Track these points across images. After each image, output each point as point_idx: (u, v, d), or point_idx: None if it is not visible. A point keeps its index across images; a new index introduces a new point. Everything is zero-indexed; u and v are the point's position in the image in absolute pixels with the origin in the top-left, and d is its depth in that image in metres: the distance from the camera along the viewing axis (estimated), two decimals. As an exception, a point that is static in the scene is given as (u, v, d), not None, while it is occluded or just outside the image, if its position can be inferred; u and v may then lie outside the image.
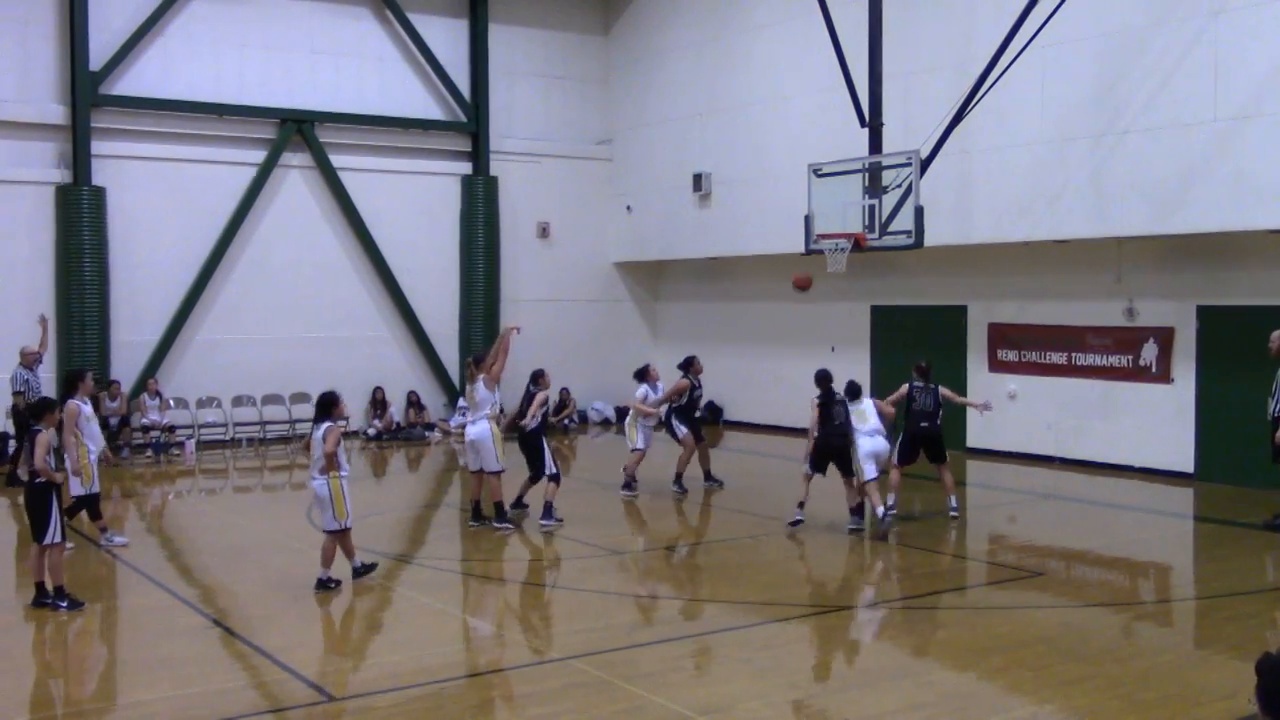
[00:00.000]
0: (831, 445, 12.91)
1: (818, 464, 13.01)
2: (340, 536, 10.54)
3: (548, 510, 13.08)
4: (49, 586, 9.89)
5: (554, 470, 13.18)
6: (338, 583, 10.50)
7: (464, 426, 13.87)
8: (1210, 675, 8.28)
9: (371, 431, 21.50)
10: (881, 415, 13.18)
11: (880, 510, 12.66)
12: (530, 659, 8.72)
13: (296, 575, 10.94)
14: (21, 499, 10.67)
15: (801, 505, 13.03)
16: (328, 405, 10.63)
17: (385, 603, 10.68)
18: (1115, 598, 10.59)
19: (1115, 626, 9.54)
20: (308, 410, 21.08)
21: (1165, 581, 11.73)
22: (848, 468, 12.91)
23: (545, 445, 13.20)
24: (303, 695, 7.82)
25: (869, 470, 12.67)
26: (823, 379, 13.08)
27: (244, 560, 11.54)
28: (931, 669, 8.33)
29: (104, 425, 18.86)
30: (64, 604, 9.81)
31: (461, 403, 22.13)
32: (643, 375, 15.51)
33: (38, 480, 9.85)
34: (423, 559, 12.26)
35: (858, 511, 12.96)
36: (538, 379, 13.43)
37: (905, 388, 13.60)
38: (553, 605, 10.53)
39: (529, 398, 13.24)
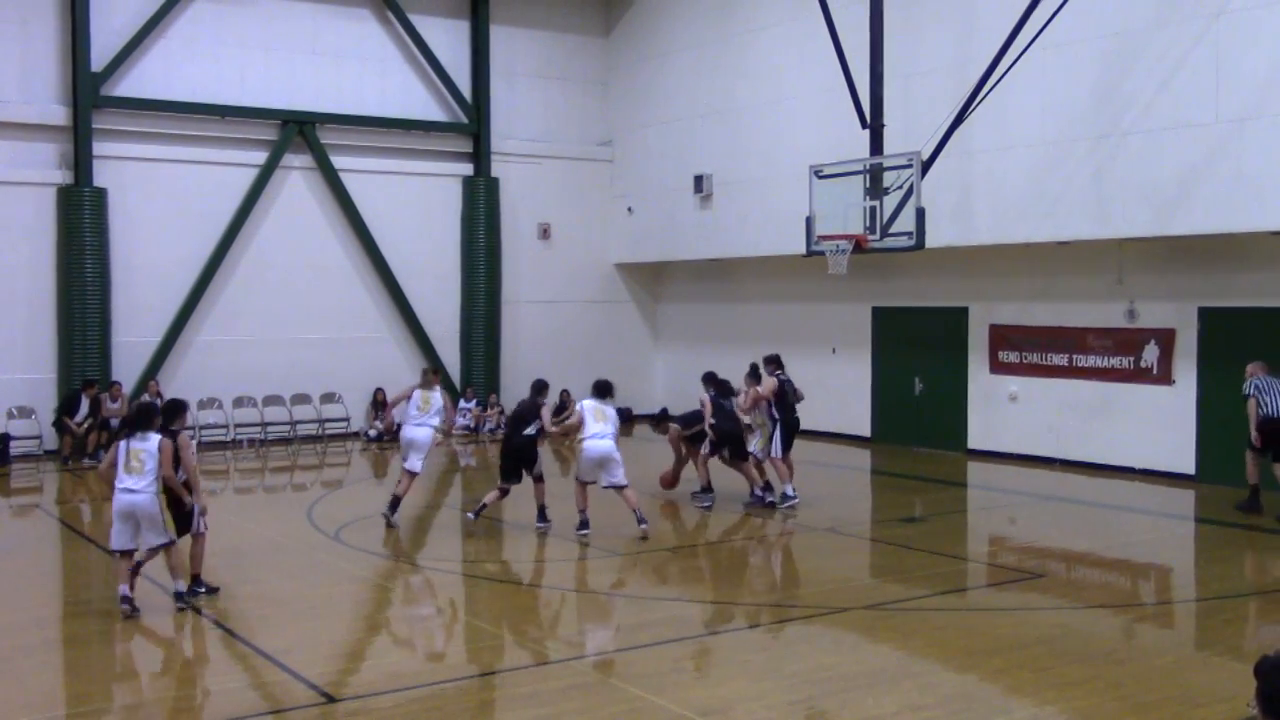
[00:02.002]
0: (731, 431, 14.29)
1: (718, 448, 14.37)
2: (170, 550, 9.96)
3: (479, 510, 13.17)
4: (200, 574, 10.23)
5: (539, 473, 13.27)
6: (215, 589, 10.21)
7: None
8: (1210, 677, 8.28)
9: (372, 433, 21.49)
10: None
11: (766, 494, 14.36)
12: (530, 660, 8.72)
13: (296, 576, 10.95)
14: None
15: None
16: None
17: (385, 603, 10.70)
18: (1116, 599, 10.58)
19: (1116, 628, 9.54)
20: (309, 411, 21.20)
21: (1166, 583, 11.73)
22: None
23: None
24: (303, 696, 7.82)
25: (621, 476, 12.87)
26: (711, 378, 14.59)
27: (244, 561, 11.53)
28: (932, 671, 8.33)
29: (105, 426, 18.99)
30: (202, 590, 10.18)
31: (464, 403, 22.19)
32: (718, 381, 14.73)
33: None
34: (423, 559, 12.26)
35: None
36: (543, 390, 13.45)
37: (774, 381, 14.33)
38: (553, 606, 10.52)
39: (536, 407, 13.11)
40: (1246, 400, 13.90)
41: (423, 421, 13.42)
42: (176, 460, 9.79)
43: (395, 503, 13.45)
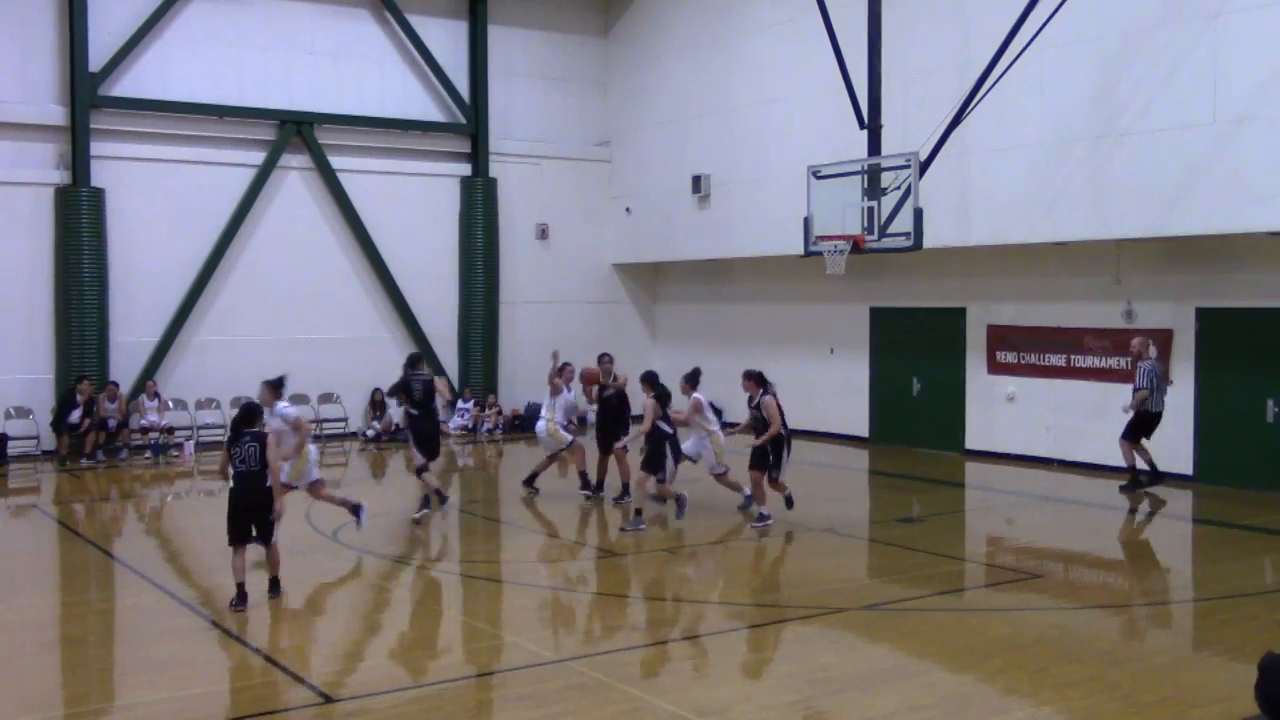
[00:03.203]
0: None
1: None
2: None
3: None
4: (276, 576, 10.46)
5: None
6: None
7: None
8: (1207, 677, 8.29)
9: (370, 433, 21.50)
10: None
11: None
12: (528, 660, 8.72)
13: (295, 577, 10.94)
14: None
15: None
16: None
17: (384, 603, 10.70)
18: (1113, 600, 10.60)
19: (1113, 628, 9.55)
20: (307, 412, 21.15)
21: (1163, 583, 11.73)
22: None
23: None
24: (301, 697, 7.82)
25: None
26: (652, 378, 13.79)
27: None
28: (930, 671, 8.34)
29: (103, 426, 18.99)
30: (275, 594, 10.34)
31: (462, 403, 22.20)
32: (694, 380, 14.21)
33: (269, 482, 10.26)
34: (421, 560, 12.26)
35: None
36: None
37: (772, 400, 13.32)
38: (551, 607, 10.52)
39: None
40: (1137, 391, 14.76)
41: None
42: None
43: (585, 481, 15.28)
